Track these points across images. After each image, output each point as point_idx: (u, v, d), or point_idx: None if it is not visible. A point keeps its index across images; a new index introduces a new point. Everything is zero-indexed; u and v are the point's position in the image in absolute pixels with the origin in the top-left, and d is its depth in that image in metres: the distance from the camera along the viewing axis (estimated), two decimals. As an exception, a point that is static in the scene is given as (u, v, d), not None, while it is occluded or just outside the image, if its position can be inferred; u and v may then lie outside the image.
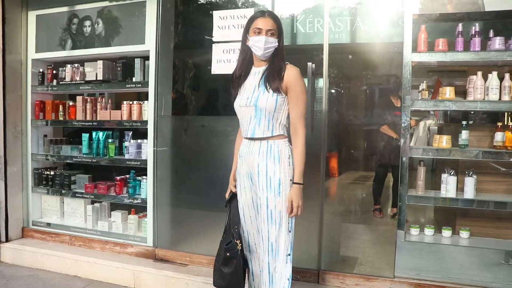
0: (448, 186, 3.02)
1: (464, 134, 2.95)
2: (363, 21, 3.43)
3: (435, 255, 2.99)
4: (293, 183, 2.28)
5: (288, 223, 2.31)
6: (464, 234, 3.06)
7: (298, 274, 3.26)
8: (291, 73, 2.29)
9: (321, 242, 3.31)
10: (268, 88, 2.28)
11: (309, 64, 3.20)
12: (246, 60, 2.41)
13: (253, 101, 2.30)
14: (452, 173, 3.02)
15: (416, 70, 3.02)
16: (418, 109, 3.04)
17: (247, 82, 2.40)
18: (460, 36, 2.91)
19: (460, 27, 2.91)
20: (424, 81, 3.12)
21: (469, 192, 2.96)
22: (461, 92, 3.17)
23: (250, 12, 3.34)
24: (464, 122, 2.96)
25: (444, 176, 3.05)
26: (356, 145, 5.25)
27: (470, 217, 3.25)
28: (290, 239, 2.33)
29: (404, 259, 3.05)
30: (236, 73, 2.44)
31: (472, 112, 3.96)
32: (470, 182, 2.96)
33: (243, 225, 2.49)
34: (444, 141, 3.01)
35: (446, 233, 3.10)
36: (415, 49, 2.97)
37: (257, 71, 2.38)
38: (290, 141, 2.37)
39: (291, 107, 2.30)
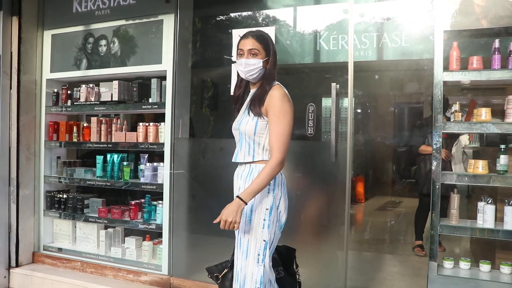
0: (486, 215, 2.87)
1: (503, 159, 2.81)
2: (391, 37, 3.37)
3: (472, 292, 2.84)
4: (236, 196, 2.18)
5: (258, 254, 2.23)
6: (506, 269, 2.89)
7: (321, 308, 3.17)
8: (271, 94, 2.25)
9: (346, 273, 3.20)
10: (249, 112, 2.29)
11: (333, 84, 3.16)
12: (244, 82, 2.43)
13: (237, 125, 2.34)
14: (490, 201, 2.88)
15: (449, 88, 2.93)
16: (450, 132, 2.94)
17: (244, 105, 2.42)
18: (496, 53, 2.80)
19: (496, 43, 2.81)
20: (457, 102, 3.02)
21: (510, 222, 2.81)
22: (499, 112, 3.05)
23: (271, 30, 3.32)
24: (502, 146, 2.84)
25: (480, 204, 2.91)
26: (384, 168, 5.14)
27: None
28: (260, 272, 2.23)
29: (437, 294, 2.91)
30: (234, 95, 2.48)
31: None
32: (510, 212, 2.81)
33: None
34: (480, 167, 2.88)
35: (485, 267, 2.94)
36: (446, 67, 2.87)
37: (251, 94, 2.40)
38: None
39: (269, 130, 2.23)
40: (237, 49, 2.35)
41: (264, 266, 2.23)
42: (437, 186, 2.87)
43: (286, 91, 2.31)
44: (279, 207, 2.31)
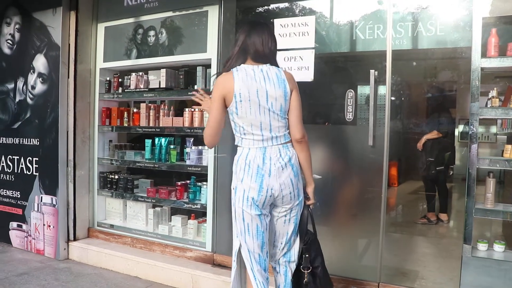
0: (521, 199, 2.79)
1: (540, 145, 2.71)
2: (426, 26, 3.27)
3: (506, 274, 2.74)
4: None
5: (235, 228, 2.38)
6: (539, 252, 2.81)
7: (357, 285, 3.14)
8: None
9: (381, 253, 3.16)
10: None
11: (372, 71, 3.10)
12: None
13: None
14: (526, 186, 2.79)
15: (483, 76, 2.83)
16: (487, 117, 2.84)
17: None
18: (536, 39, 2.69)
19: (536, 30, 2.69)
20: (495, 88, 2.90)
21: (545, 206, 2.71)
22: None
23: (311, 20, 3.28)
24: (540, 132, 2.73)
25: (516, 188, 2.83)
26: (418, 153, 5.03)
27: (545, 233, 2.99)
28: (235, 245, 2.39)
29: (470, 275, 2.83)
30: None
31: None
32: (546, 196, 2.71)
33: None
34: (516, 152, 2.78)
35: (519, 250, 2.86)
36: (484, 54, 2.77)
37: None
38: (239, 151, 2.37)
39: None
40: None
41: (239, 240, 2.36)
42: (472, 171, 2.79)
43: (222, 77, 2.31)
44: (244, 186, 2.29)
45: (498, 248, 2.91)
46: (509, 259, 2.80)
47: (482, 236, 3.91)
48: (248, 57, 2.34)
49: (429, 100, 4.94)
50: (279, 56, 3.38)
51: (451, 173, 5.13)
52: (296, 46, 3.32)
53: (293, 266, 2.49)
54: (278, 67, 2.39)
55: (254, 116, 2.27)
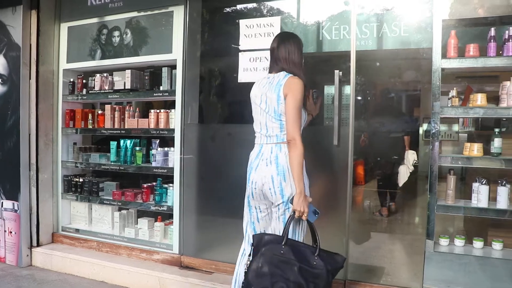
0: (480, 195, 2.88)
1: (497, 142, 2.81)
2: (390, 27, 3.34)
3: (466, 267, 2.85)
4: None
5: None
6: (497, 245, 2.92)
7: (324, 284, 3.17)
8: None
9: (348, 251, 3.21)
10: None
11: (336, 71, 3.14)
12: None
13: None
14: (484, 182, 2.89)
15: (445, 76, 2.92)
16: (448, 116, 2.93)
17: None
18: (492, 41, 2.79)
19: (492, 31, 2.79)
20: (454, 88, 3.00)
21: (502, 202, 2.81)
22: (493, 98, 3.04)
23: (277, 20, 3.30)
24: (496, 130, 2.83)
25: (475, 185, 2.92)
26: (383, 152, 5.13)
27: (503, 228, 3.10)
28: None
29: (433, 270, 2.92)
30: None
31: (504, 119, 3.79)
32: (503, 192, 2.81)
33: None
34: (475, 149, 2.88)
35: (478, 244, 2.96)
36: (444, 55, 2.86)
37: None
38: None
39: None
40: None
41: None
42: (434, 168, 2.87)
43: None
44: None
45: (459, 242, 3.01)
46: (469, 253, 2.91)
47: (446, 231, 4.02)
48: (275, 68, 2.54)
49: (393, 100, 5.07)
50: (245, 57, 3.42)
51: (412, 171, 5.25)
52: (261, 46, 3.33)
53: None
54: (299, 76, 2.46)
55: (257, 116, 2.55)
